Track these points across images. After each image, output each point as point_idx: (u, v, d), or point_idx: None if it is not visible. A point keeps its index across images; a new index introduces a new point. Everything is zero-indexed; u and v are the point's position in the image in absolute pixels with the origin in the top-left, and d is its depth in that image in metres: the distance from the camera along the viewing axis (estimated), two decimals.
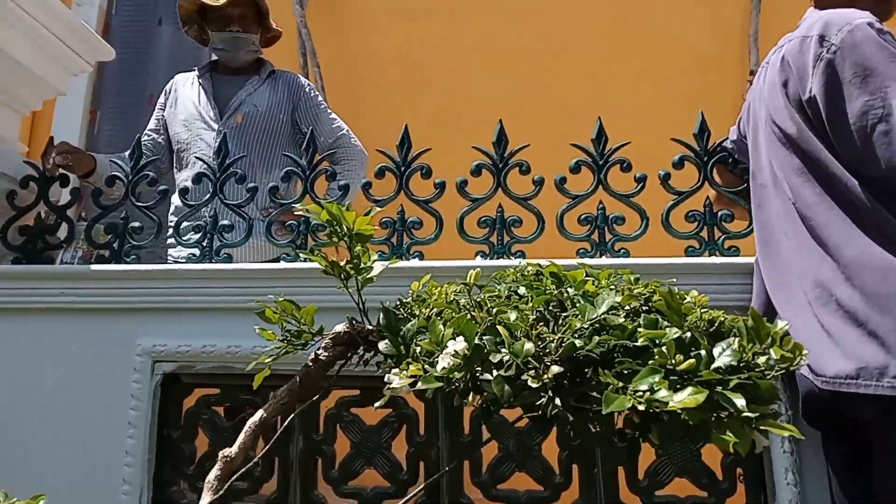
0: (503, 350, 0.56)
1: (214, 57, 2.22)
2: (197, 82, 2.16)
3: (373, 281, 0.84)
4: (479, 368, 0.56)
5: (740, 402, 0.52)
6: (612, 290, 0.63)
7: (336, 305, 0.98)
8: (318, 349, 0.81)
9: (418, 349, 0.63)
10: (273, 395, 0.81)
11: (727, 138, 1.57)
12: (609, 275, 0.73)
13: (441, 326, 0.61)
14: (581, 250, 1.54)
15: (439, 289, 0.74)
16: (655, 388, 0.51)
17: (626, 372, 0.55)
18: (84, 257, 1.74)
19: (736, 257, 1.46)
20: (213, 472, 0.68)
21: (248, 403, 1.57)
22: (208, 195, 1.69)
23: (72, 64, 2.14)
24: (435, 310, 0.68)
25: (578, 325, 0.57)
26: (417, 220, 1.62)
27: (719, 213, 1.51)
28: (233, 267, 1.56)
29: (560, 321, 0.59)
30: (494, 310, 0.61)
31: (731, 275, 1.41)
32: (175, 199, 1.98)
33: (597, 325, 0.58)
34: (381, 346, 0.68)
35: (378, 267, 0.80)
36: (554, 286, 0.67)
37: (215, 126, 2.06)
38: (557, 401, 0.53)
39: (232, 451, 0.71)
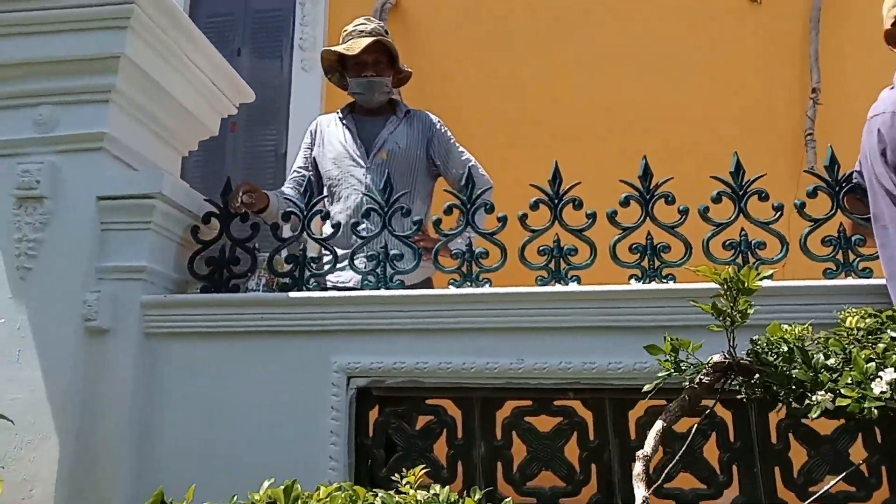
0: None
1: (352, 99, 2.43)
2: (340, 123, 2.38)
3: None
4: None
5: None
6: None
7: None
8: (702, 374, 0.99)
9: (832, 376, 0.82)
10: (666, 409, 1.00)
11: (855, 170, 1.75)
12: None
13: (863, 361, 0.80)
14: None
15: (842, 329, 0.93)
16: None
17: None
18: (267, 284, 1.94)
19: (871, 279, 1.64)
20: (639, 468, 0.86)
21: (431, 413, 1.76)
22: (378, 228, 1.89)
23: (222, 106, 2.36)
24: (825, 349, 0.87)
25: None
26: (573, 248, 1.81)
27: (853, 238, 1.70)
28: (420, 293, 1.77)
29: None
30: (892, 346, 0.81)
31: (871, 294, 1.58)
32: (327, 228, 2.19)
33: None
34: (796, 373, 0.86)
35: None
36: None
37: (363, 163, 2.28)
38: None
39: (646, 451, 0.90)
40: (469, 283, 1.79)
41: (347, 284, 2.14)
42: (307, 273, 1.89)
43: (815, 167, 3.56)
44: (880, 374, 0.77)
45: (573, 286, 1.73)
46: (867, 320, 0.92)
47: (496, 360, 1.68)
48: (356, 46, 2.24)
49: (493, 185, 2.31)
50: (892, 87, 1.55)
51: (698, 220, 1.79)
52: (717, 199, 1.77)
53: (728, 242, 1.75)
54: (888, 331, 0.88)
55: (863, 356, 0.81)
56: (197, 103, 2.18)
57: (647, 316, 1.65)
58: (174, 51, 1.99)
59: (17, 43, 1.86)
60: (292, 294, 1.80)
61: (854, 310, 0.98)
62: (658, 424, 0.98)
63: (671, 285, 1.68)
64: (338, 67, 2.40)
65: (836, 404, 0.79)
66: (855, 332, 0.89)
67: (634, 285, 1.72)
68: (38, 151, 1.86)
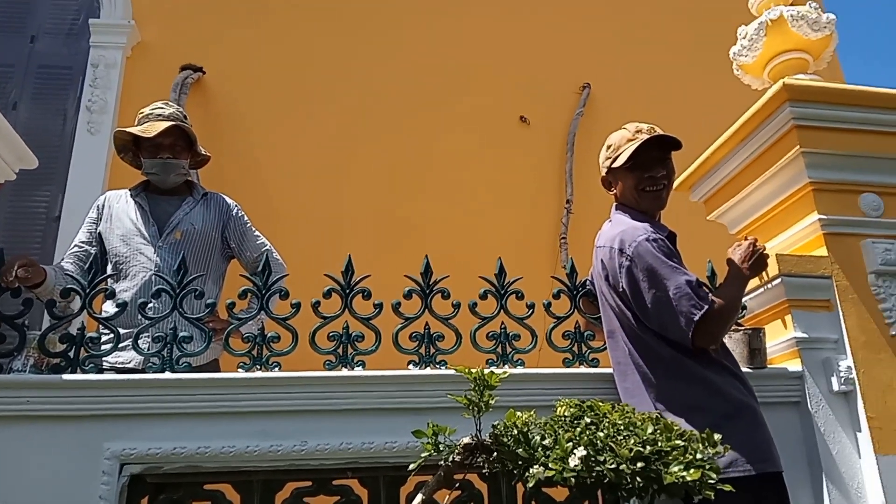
0: (607, 454, 1.00)
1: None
2: (132, 200, 2.33)
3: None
4: (594, 464, 0.97)
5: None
6: (628, 418, 1.10)
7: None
8: (455, 454, 1.14)
9: (545, 454, 1.02)
10: (426, 484, 1.13)
11: (587, 279, 2.16)
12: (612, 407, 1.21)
13: (565, 441, 1.01)
14: (489, 360, 2.00)
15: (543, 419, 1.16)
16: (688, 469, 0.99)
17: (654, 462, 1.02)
18: (36, 365, 1.81)
19: (599, 367, 2.02)
20: None
21: (208, 499, 1.77)
22: (168, 309, 1.89)
23: (1, 172, 2.22)
24: (543, 432, 1.09)
25: (634, 440, 1.02)
26: (360, 334, 1.97)
27: (586, 334, 2.08)
28: (207, 376, 1.79)
29: (620, 437, 1.03)
30: (585, 430, 1.05)
31: (599, 381, 1.95)
32: (108, 307, 2.11)
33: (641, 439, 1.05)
34: (520, 451, 1.05)
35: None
36: (595, 415, 1.14)
37: (154, 242, 2.25)
38: (638, 479, 0.96)
39: None
40: (259, 367, 1.87)
41: (128, 365, 2.08)
42: (83, 354, 1.82)
43: (566, 265, 4.17)
44: (575, 451, 1.02)
45: (357, 371, 1.88)
46: (572, 409, 1.19)
47: (280, 442, 1.76)
48: (153, 129, 2.26)
49: (287, 273, 2.41)
50: (610, 222, 1.97)
51: (468, 313, 2.06)
52: (483, 297, 2.07)
53: (491, 334, 2.04)
54: (585, 417, 1.15)
55: (566, 437, 1.06)
56: None
57: (420, 398, 1.85)
58: None
59: None
60: (65, 376, 1.73)
61: (566, 400, 1.25)
62: (418, 497, 1.15)
63: (441, 371, 1.90)
64: (132, 147, 2.38)
65: (545, 475, 1.02)
66: (563, 418, 1.15)
67: (411, 370, 1.92)
68: None
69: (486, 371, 1.19)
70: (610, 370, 1.92)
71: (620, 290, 1.80)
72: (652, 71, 4.85)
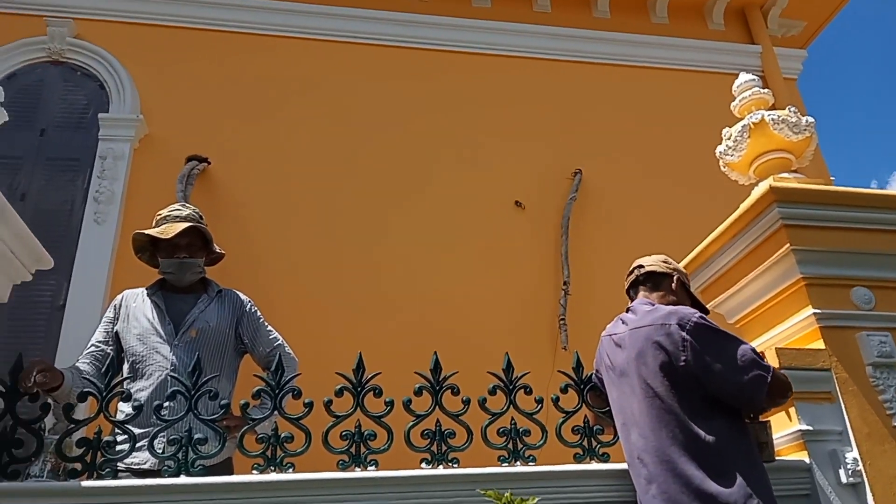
0: None
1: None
2: (149, 299, 2.39)
3: None
4: None
5: None
6: None
7: None
8: None
9: None
10: None
11: (593, 371, 2.21)
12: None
13: None
14: (501, 457, 2.02)
15: None
16: None
17: None
18: (53, 470, 1.82)
19: (610, 463, 2.04)
20: None
21: None
22: (183, 410, 1.92)
23: (17, 274, 2.29)
24: None
25: None
26: (373, 433, 2.00)
27: (595, 428, 2.11)
28: (223, 481, 1.80)
29: None
30: None
31: (612, 477, 1.97)
32: (124, 406, 2.13)
33: None
34: None
35: None
36: None
37: (170, 340, 2.29)
38: None
39: None
40: (273, 468, 1.88)
41: (143, 466, 2.08)
42: (100, 458, 1.83)
43: (567, 348, 4.23)
44: None
45: (371, 471, 1.90)
46: None
47: None
48: (171, 230, 2.34)
49: (299, 373, 2.43)
50: (637, 311, 2.04)
51: (477, 408, 2.09)
52: (492, 392, 2.10)
53: (501, 429, 2.07)
54: None
55: None
56: None
57: (434, 499, 1.86)
58: None
59: None
60: (84, 483, 1.73)
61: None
62: None
63: (455, 471, 1.92)
64: (149, 248, 2.46)
65: None
66: None
67: (424, 470, 1.94)
68: None
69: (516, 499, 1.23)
70: (622, 466, 1.95)
71: (682, 364, 1.82)
72: (642, 155, 5.06)
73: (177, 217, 2.40)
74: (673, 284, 2.13)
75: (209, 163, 4.36)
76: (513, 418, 2.09)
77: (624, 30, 5.56)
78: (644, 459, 1.83)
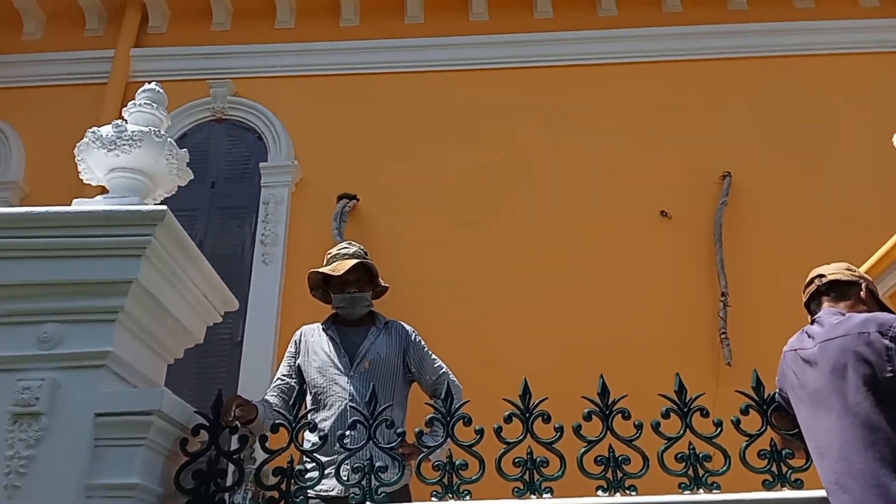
0: None
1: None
2: (325, 333, 2.58)
3: None
4: None
5: None
6: None
7: None
8: None
9: None
10: None
11: (776, 391, 2.07)
12: None
13: None
14: (681, 484, 1.94)
15: None
16: None
17: None
18: (254, 498, 1.99)
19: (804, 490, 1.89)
20: None
21: None
22: (363, 438, 2.02)
23: (210, 317, 2.52)
24: None
25: None
26: (545, 459, 1.99)
27: (783, 452, 1.97)
28: None
29: None
30: None
31: None
32: (310, 436, 2.29)
33: None
34: None
35: None
36: None
37: (346, 372, 2.46)
38: None
39: None
40: (451, 496, 1.92)
41: (331, 493, 2.22)
42: (293, 486, 1.97)
43: (731, 363, 3.99)
44: None
45: (546, 499, 1.89)
46: None
47: None
48: (341, 268, 2.52)
49: (467, 400, 2.48)
50: (825, 321, 1.89)
51: (650, 432, 2.03)
52: (665, 415, 2.03)
53: (679, 455, 1.98)
54: None
55: None
56: (190, 317, 2.34)
57: None
58: (178, 274, 2.18)
59: (33, 265, 2.01)
60: None
61: None
62: None
63: (636, 499, 1.87)
64: (322, 285, 2.65)
65: None
66: None
67: (600, 497, 1.90)
68: (40, 367, 1.93)
69: None
70: (819, 493, 1.80)
71: (886, 374, 1.65)
72: (795, 150, 4.71)
73: (345, 255, 2.58)
74: (862, 293, 1.95)
75: (358, 199, 4.61)
76: (690, 442, 2.00)
77: (762, 20, 5.23)
78: (846, 485, 1.68)
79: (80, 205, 2.15)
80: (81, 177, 2.39)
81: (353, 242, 2.75)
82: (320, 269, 2.58)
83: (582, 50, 5.11)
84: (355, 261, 2.54)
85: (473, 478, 1.96)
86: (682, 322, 4.20)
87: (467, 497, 1.92)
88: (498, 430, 2.01)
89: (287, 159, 4.73)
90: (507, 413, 2.03)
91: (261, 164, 4.71)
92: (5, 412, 1.87)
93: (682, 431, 2.00)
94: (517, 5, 5.29)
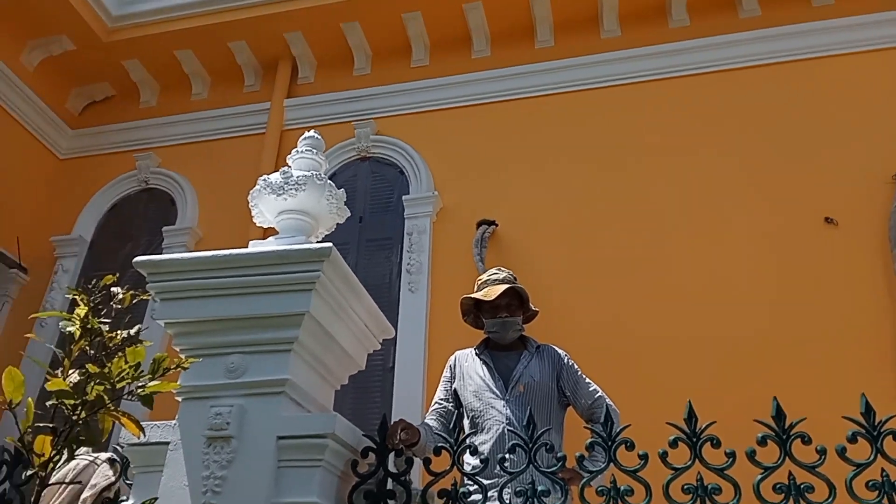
0: None
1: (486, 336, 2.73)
2: (478, 358, 2.66)
3: None
4: None
5: None
6: None
7: None
8: None
9: None
10: None
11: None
12: None
13: None
14: None
15: None
16: None
17: None
18: None
19: None
20: None
21: None
22: (523, 462, 2.03)
23: (370, 344, 2.67)
24: None
25: None
26: (717, 486, 1.90)
27: None
28: None
29: None
30: None
31: None
32: (469, 459, 2.34)
33: None
34: None
35: None
36: None
37: (501, 396, 2.51)
38: None
39: None
40: None
41: None
42: None
43: None
44: None
45: None
46: None
47: None
48: (492, 293, 2.58)
49: (628, 424, 2.43)
50: None
51: (835, 458, 1.87)
52: (852, 440, 1.87)
53: (871, 483, 1.81)
54: None
55: None
56: (354, 345, 2.49)
57: None
58: (343, 305, 2.34)
59: (219, 302, 2.24)
60: None
61: None
62: None
63: None
64: (473, 310, 2.73)
65: None
66: None
67: None
68: (228, 395, 2.14)
69: None
70: None
71: None
72: None
73: (495, 280, 2.64)
74: None
75: (497, 224, 4.68)
76: (883, 469, 1.83)
77: None
78: None
79: (256, 246, 2.37)
80: (254, 220, 2.64)
81: (503, 268, 2.81)
82: (472, 295, 2.66)
83: (725, 55, 4.90)
84: (506, 286, 2.59)
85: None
86: (854, 339, 3.83)
87: None
88: (663, 455, 1.94)
89: (427, 190, 4.91)
90: (672, 437, 1.97)
91: (403, 197, 4.93)
92: (201, 436, 2.08)
93: (872, 457, 1.83)
94: (650, 17, 5.19)
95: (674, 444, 1.95)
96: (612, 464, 1.98)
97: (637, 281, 4.27)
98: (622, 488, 1.93)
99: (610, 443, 2.01)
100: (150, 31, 5.69)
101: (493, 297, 2.57)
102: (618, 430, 2.04)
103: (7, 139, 5.61)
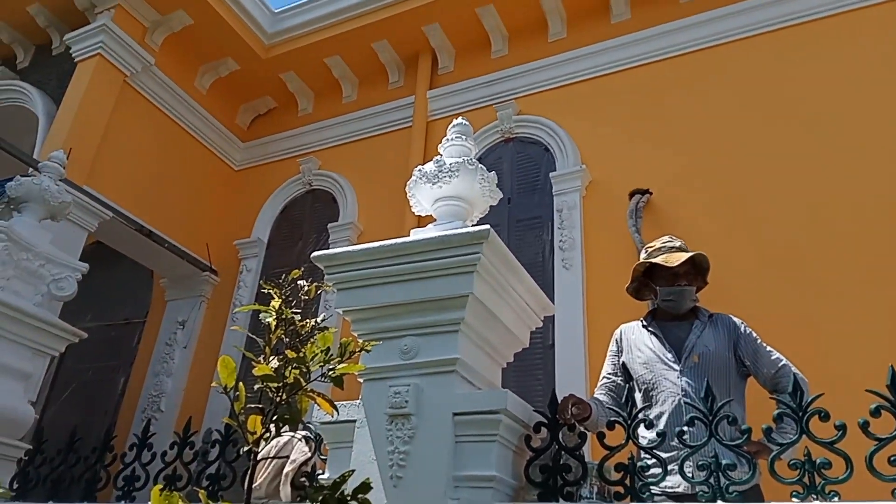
0: None
1: (652, 307, 2.66)
2: (646, 330, 2.60)
3: None
4: None
5: None
6: None
7: None
8: None
9: None
10: None
11: None
12: None
13: None
14: None
15: None
16: None
17: None
18: (600, 492, 2.08)
19: None
20: None
21: None
22: (703, 435, 1.96)
23: (532, 322, 2.69)
24: None
25: None
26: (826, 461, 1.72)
27: None
28: None
29: None
30: None
31: None
32: (644, 432, 2.31)
33: None
34: None
35: None
36: None
37: (675, 366, 2.44)
38: None
39: None
40: (815, 496, 1.76)
41: (677, 490, 2.20)
42: (639, 482, 1.99)
43: None
44: None
45: None
46: None
47: None
48: (673, 259, 2.50)
49: (822, 393, 2.27)
50: None
51: None
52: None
53: None
54: None
55: None
56: (516, 323, 2.53)
57: None
58: (503, 285, 2.38)
59: (390, 288, 2.37)
60: None
61: None
62: None
63: None
64: (640, 278, 2.65)
65: None
66: None
67: None
68: (404, 375, 2.27)
69: None
70: None
71: None
72: None
73: (672, 248, 2.55)
74: None
75: (651, 193, 4.50)
76: None
77: None
78: None
79: (417, 234, 2.48)
80: (413, 209, 2.75)
81: (674, 237, 2.70)
82: (652, 259, 2.57)
83: None
84: (688, 254, 2.49)
85: (841, 478, 1.77)
86: None
87: (835, 498, 1.74)
88: (864, 425, 1.79)
89: (575, 165, 4.83)
90: (874, 406, 1.80)
91: (551, 174, 4.89)
92: (384, 413, 2.23)
93: None
94: None
95: (876, 412, 1.79)
96: (804, 435, 1.86)
97: (803, 239, 3.91)
98: (818, 461, 1.81)
99: (801, 413, 1.89)
100: (301, 44, 6.10)
101: (675, 264, 2.48)
102: (808, 399, 1.90)
103: (190, 157, 6.30)
